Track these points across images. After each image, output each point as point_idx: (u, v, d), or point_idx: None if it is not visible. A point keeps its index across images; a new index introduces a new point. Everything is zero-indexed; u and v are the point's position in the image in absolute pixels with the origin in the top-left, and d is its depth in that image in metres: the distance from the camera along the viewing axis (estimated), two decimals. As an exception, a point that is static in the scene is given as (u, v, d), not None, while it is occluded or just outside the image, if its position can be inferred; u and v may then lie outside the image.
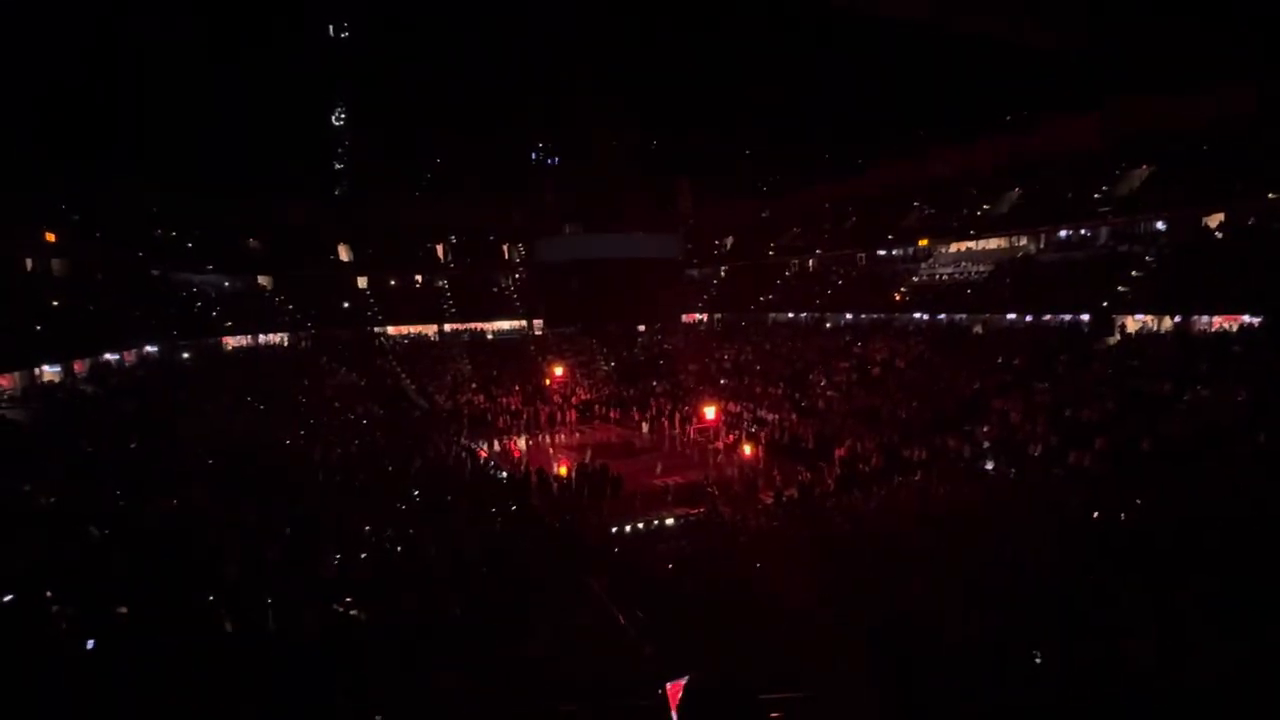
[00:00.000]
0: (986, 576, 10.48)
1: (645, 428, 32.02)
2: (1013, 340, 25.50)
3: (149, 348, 27.89)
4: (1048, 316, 25.79)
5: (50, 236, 22.40)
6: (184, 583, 7.87)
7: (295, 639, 7.39)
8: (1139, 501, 13.33)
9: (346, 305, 40.12)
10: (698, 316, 45.90)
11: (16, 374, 19.17)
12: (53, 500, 9.91)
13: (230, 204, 38.16)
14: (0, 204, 20.97)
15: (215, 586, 8.43)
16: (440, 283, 44.75)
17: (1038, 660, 5.98)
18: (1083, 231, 26.84)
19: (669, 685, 5.16)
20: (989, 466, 19.35)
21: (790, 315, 39.11)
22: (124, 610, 7.09)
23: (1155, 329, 22.63)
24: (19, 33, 15.59)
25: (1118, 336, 23.12)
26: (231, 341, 35.36)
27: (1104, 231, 26.16)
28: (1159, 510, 12.42)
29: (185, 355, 30.27)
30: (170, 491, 11.34)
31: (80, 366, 21.60)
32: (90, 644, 5.70)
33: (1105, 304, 23.29)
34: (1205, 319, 21.21)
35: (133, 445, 13.85)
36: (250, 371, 28.99)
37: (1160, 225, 24.68)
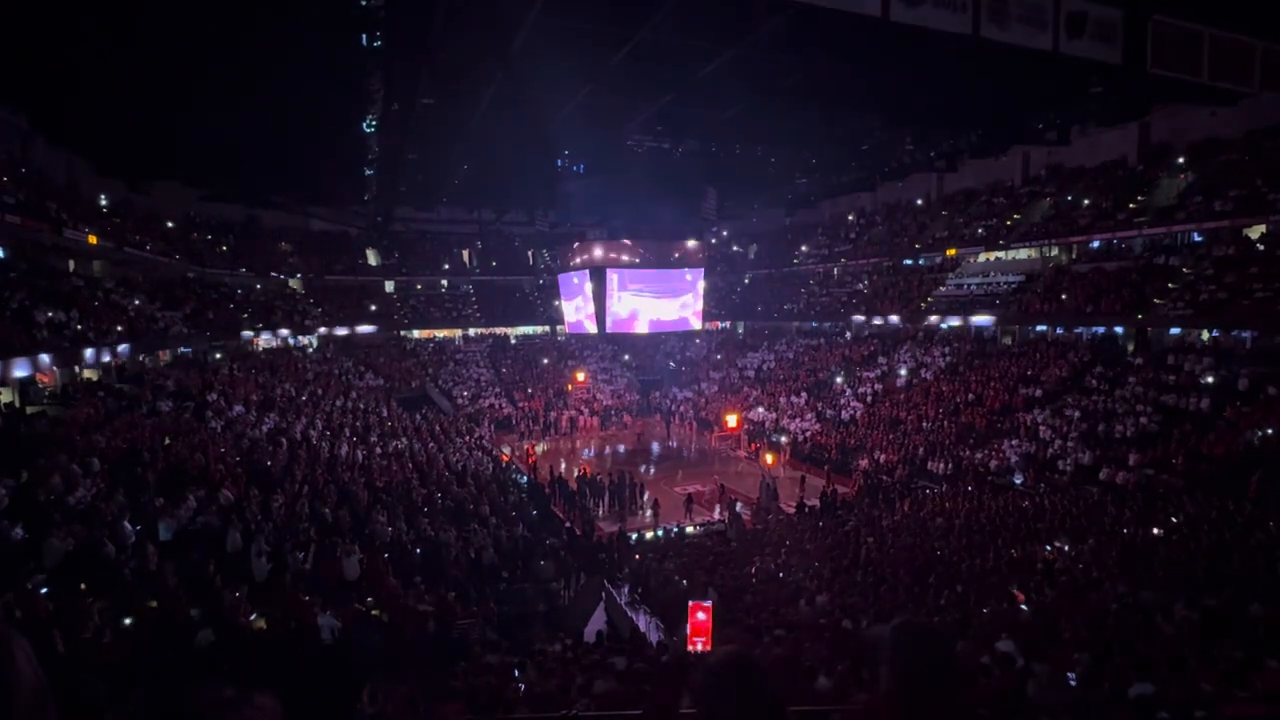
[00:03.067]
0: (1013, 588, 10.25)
1: (667, 434, 32.00)
2: (1043, 353, 24.99)
3: (182, 348, 28.55)
4: (1080, 329, 25.21)
5: (92, 239, 23.12)
6: (213, 579, 8.03)
7: (316, 638, 7.49)
8: (1174, 520, 12.97)
9: (374, 309, 40.71)
10: (721, 324, 45.71)
11: (57, 371, 19.73)
12: (89, 496, 10.18)
13: (264, 208, 39.07)
14: (44, 206, 21.69)
15: (244, 583, 8.57)
16: (466, 287, 45.23)
17: (1072, 681, 5.85)
18: (1117, 242, 26.17)
19: (690, 604, 5.09)
20: (1018, 481, 19.00)
21: (814, 324, 38.76)
22: (154, 604, 7.25)
23: (1192, 342, 22.02)
24: (59, 32, 16.16)
25: (1152, 350, 22.54)
26: (262, 342, 36.03)
27: (1139, 242, 25.50)
28: (1193, 528, 12.08)
29: (218, 355, 30.91)
30: (200, 490, 11.59)
31: (117, 363, 22.22)
32: (121, 633, 5.83)
33: (1140, 316, 22.72)
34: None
35: (166, 443, 14.16)
36: (279, 372, 29.49)
37: (1197, 236, 24.01)
